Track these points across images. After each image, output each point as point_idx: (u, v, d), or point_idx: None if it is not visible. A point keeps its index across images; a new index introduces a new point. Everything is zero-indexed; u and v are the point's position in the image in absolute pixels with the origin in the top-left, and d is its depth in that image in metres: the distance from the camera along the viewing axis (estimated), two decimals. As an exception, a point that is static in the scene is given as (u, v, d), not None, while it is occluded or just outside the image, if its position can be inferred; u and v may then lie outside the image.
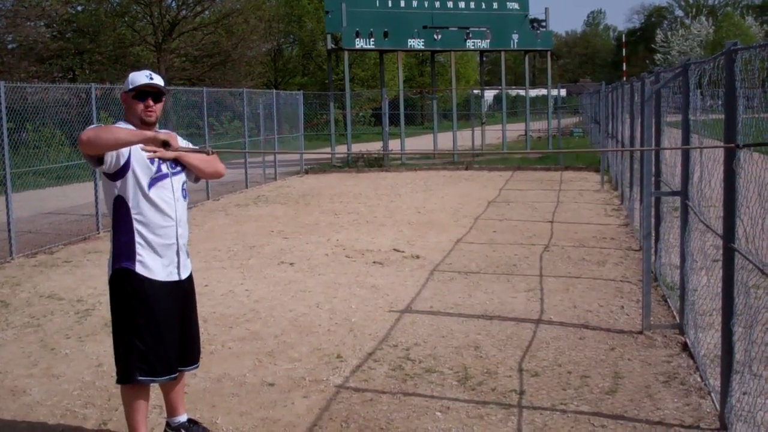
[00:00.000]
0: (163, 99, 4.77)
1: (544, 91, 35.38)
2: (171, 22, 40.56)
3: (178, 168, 4.79)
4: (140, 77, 4.67)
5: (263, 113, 23.75)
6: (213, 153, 4.87)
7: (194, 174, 4.92)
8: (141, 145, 4.56)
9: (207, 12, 43.46)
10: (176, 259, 4.76)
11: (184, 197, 4.85)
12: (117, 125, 4.64)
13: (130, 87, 4.63)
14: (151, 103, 4.67)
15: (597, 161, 23.37)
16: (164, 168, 4.68)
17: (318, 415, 5.55)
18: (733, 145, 4.67)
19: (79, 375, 6.51)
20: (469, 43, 28.97)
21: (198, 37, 42.93)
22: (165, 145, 4.47)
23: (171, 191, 4.70)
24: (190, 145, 4.96)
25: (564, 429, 5.18)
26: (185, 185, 4.87)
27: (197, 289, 5.16)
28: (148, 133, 4.49)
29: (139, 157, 4.57)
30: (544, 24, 31.17)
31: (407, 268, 10.37)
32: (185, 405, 5.22)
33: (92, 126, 4.59)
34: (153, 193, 4.61)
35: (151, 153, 4.60)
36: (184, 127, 21.35)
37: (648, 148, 8.20)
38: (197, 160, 4.83)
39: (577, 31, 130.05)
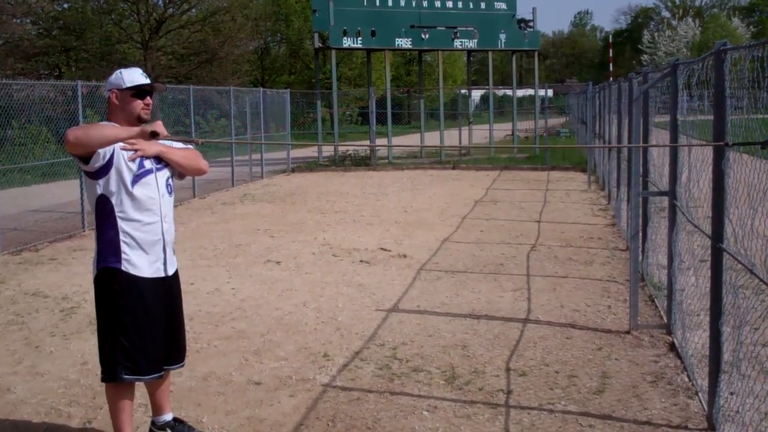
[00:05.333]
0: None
1: (531, 91, 35.48)
2: (158, 19, 40.47)
3: (162, 164, 4.76)
4: (137, 76, 4.68)
5: (250, 112, 23.70)
6: (200, 143, 4.85)
7: (177, 171, 4.89)
8: (122, 144, 4.54)
9: (194, 10, 43.37)
10: (163, 256, 4.73)
11: (170, 193, 4.81)
12: (102, 124, 4.60)
13: (129, 85, 4.62)
14: (149, 100, 4.71)
15: (584, 161, 23.42)
16: (147, 164, 4.65)
17: (304, 414, 5.52)
18: (722, 143, 4.68)
19: (63, 373, 6.46)
20: (457, 43, 28.98)
21: (185, 35, 42.83)
22: (154, 135, 4.43)
23: (155, 187, 4.67)
24: (173, 142, 4.95)
25: (551, 429, 5.17)
26: (170, 181, 4.83)
27: (183, 287, 5.13)
28: (136, 129, 4.46)
29: (121, 155, 4.54)
30: (531, 24, 31.20)
31: (394, 267, 10.36)
32: (171, 404, 5.18)
33: (78, 125, 4.55)
34: (137, 191, 4.57)
35: (133, 153, 4.57)
36: (170, 125, 21.26)
37: (637, 145, 8.20)
38: (179, 157, 4.81)
39: (564, 32, 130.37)
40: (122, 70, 4.73)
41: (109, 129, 4.41)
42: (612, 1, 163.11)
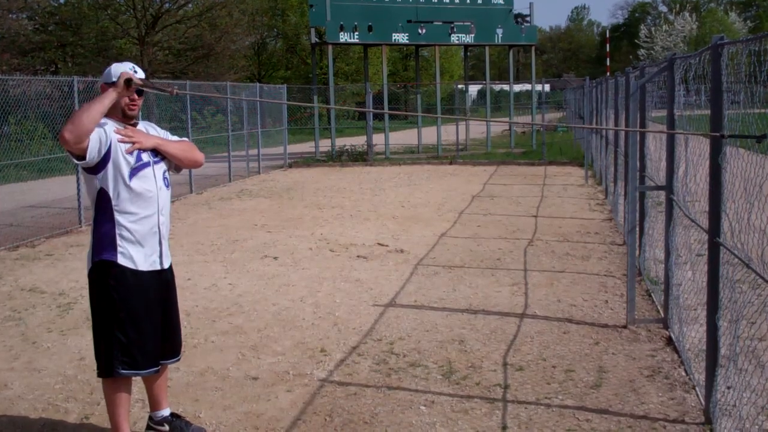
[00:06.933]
0: (145, 92, 4.75)
1: (528, 86, 35.46)
2: (154, 15, 40.38)
3: (159, 157, 4.75)
4: (124, 70, 4.63)
5: (246, 107, 23.67)
6: (175, 92, 4.84)
7: (174, 163, 4.88)
8: (119, 137, 4.53)
9: (190, 5, 43.27)
10: (159, 249, 4.72)
11: (167, 186, 4.80)
12: (83, 106, 4.59)
13: (114, 80, 4.59)
14: (135, 97, 4.66)
15: (581, 156, 23.42)
16: (145, 157, 4.64)
17: (302, 409, 5.52)
18: (718, 134, 4.68)
19: (60, 369, 6.45)
20: (454, 38, 28.98)
21: (181, 30, 42.73)
22: (128, 83, 4.45)
23: (153, 180, 4.66)
24: (169, 135, 4.94)
25: (548, 423, 5.18)
26: (167, 174, 4.83)
27: (180, 282, 5.13)
28: (111, 93, 4.46)
29: (119, 148, 4.53)
30: (528, 19, 31.16)
31: (391, 262, 10.35)
32: (168, 399, 5.18)
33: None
34: (134, 183, 4.57)
35: (130, 146, 4.57)
36: (167, 120, 21.25)
37: (634, 129, 8.20)
38: (175, 149, 4.81)
39: (561, 27, 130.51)
40: (115, 64, 4.71)
41: (91, 106, 4.37)
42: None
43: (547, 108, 37.51)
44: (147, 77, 4.76)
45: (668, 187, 7.01)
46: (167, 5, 41.43)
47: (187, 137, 18.11)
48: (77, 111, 4.43)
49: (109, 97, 4.45)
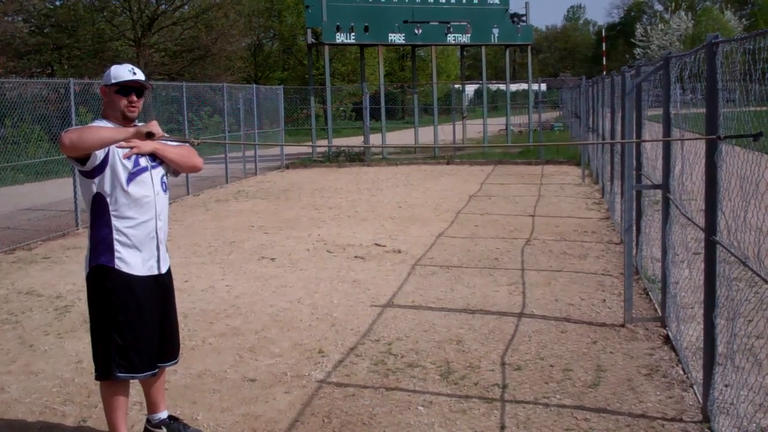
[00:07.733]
0: (145, 94, 4.74)
1: (524, 86, 35.47)
2: (150, 16, 40.36)
3: (157, 162, 4.73)
4: (123, 72, 4.60)
5: (243, 108, 23.67)
6: (197, 143, 4.84)
7: (172, 168, 4.86)
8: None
9: (186, 6, 43.25)
10: (156, 254, 4.71)
11: (165, 190, 4.79)
12: (95, 123, 4.58)
13: (113, 81, 4.57)
14: (134, 98, 4.62)
15: (578, 155, 23.42)
16: (142, 162, 4.62)
17: (300, 410, 5.52)
18: (714, 136, 4.68)
19: (58, 372, 6.45)
20: (450, 38, 28.99)
21: (177, 31, 42.71)
22: (150, 136, 4.42)
23: (151, 185, 4.64)
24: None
25: (547, 423, 5.18)
26: (165, 178, 4.81)
27: (177, 284, 5.12)
28: (131, 129, 4.44)
29: (116, 153, 4.51)
30: (524, 18, 31.16)
31: (389, 262, 10.35)
32: (166, 401, 5.17)
33: (72, 128, 4.52)
34: (132, 188, 4.55)
35: (128, 150, 4.54)
36: (163, 122, 21.24)
37: (629, 141, 8.20)
38: (174, 154, 4.77)
39: (557, 26, 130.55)
40: (114, 66, 4.68)
41: (104, 131, 4.38)
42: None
43: (544, 107, 37.54)
44: (145, 79, 4.74)
45: (665, 186, 7.01)
46: (163, 7, 41.43)
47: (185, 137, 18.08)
48: (90, 127, 4.41)
49: (124, 134, 4.41)
